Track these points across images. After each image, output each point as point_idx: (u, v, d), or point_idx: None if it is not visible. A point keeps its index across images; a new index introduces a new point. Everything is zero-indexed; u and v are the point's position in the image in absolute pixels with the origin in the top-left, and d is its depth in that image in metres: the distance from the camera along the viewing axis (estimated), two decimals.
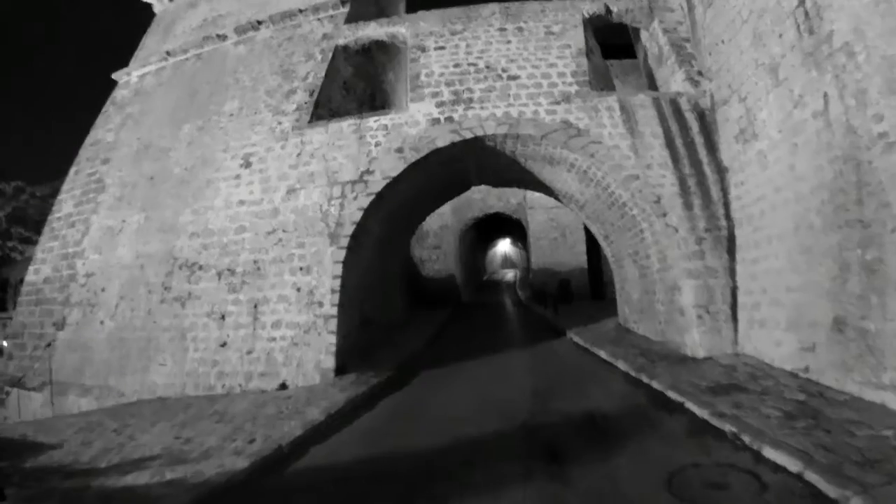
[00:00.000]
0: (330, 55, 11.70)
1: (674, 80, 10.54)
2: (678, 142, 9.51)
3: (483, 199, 28.20)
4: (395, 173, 9.40)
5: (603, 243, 12.62)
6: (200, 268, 10.55)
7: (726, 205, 8.93)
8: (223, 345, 9.70)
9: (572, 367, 8.82)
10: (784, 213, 7.30)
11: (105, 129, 14.41)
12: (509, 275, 49.30)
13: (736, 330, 8.34)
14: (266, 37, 13.08)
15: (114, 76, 15.78)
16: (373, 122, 10.23)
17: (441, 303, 23.04)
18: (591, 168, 9.90)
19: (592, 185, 10.57)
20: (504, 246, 58.47)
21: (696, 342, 8.21)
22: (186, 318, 10.25)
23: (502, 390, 7.44)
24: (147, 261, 11.21)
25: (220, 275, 10.24)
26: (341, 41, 11.97)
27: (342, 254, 9.02)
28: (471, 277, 34.75)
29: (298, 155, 10.51)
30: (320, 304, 8.91)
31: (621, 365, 8.27)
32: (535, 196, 23.00)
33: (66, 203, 13.59)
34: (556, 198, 12.69)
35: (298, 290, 9.26)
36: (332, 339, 8.62)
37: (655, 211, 8.96)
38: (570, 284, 21.37)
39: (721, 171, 9.16)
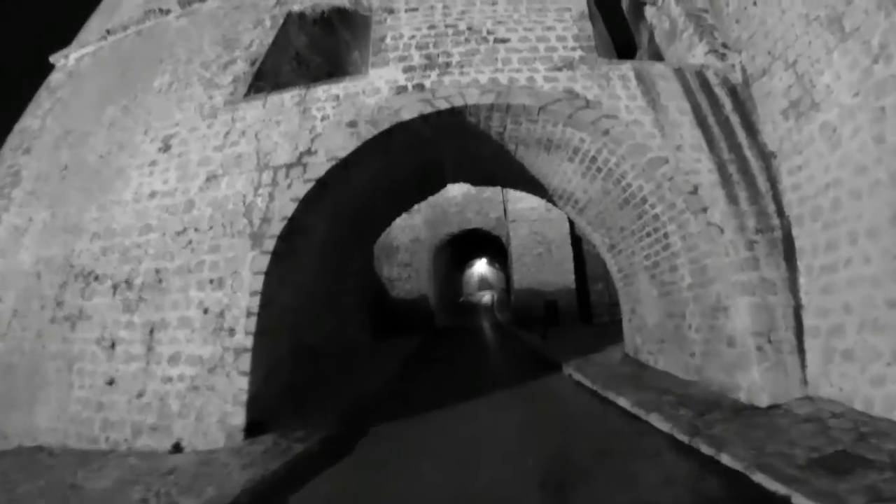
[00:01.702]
0: (281, 21, 9.45)
1: (692, 56, 8.58)
2: (710, 120, 7.54)
3: (460, 212, 26.14)
4: (344, 153, 7.00)
5: (607, 256, 10.40)
6: (96, 278, 7.87)
7: (776, 198, 6.86)
8: (110, 382, 6.99)
9: (585, 424, 6.20)
10: (874, 201, 5.35)
11: (33, 116, 11.90)
12: (486, 297, 47.19)
13: (804, 365, 6.15)
14: (212, 7, 10.76)
15: (51, 59, 13.46)
16: (321, 91, 7.87)
17: (413, 328, 20.48)
18: (601, 152, 7.72)
19: (600, 178, 8.38)
20: (481, 266, 56.60)
21: (756, 384, 5.94)
22: (75, 344, 7.52)
23: (493, 472, 4.79)
24: (45, 267, 8.51)
25: (115, 288, 7.58)
26: (296, 7, 9.74)
27: (265, 261, 6.49)
28: (446, 299, 32.32)
29: (226, 134, 8.06)
30: (231, 332, 6.32)
31: (657, 422, 5.79)
32: (517, 207, 20.93)
33: None
34: (550, 199, 10.44)
35: (205, 311, 6.67)
36: (244, 382, 6.02)
37: (691, 205, 6.79)
38: (558, 306, 19.15)
39: (765, 156, 7.14)
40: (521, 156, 8.94)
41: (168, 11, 11.41)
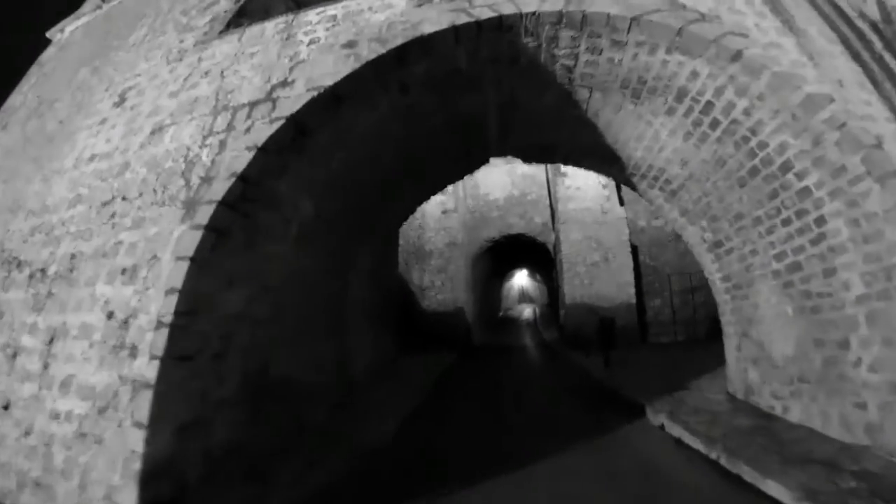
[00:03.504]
0: None
1: None
2: (865, 56, 5.36)
3: (502, 216, 23.62)
4: (332, 80, 4.64)
5: (706, 258, 7.57)
6: (19, 265, 5.90)
7: None
8: (6, 407, 4.88)
9: None
10: None
11: (18, 93, 10.71)
12: (527, 311, 44.20)
13: None
14: None
15: (48, 34, 12.42)
16: (314, 14, 5.62)
17: (445, 344, 17.90)
18: (723, 93, 5.08)
19: (713, 139, 5.72)
20: (521, 278, 53.69)
21: None
22: None
23: None
24: None
25: (31, 278, 5.55)
26: None
27: (195, 240, 4.15)
28: (485, 313, 29.68)
29: (187, 78, 6.00)
30: (132, 353, 4.00)
31: None
32: (568, 208, 18.18)
33: None
34: (627, 179, 7.75)
35: (109, 315, 4.40)
36: (138, 439, 3.66)
37: (875, 167, 4.17)
38: (615, 324, 16.15)
39: None
40: (596, 110, 6.35)
41: None
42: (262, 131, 4.64)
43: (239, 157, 4.59)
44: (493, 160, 24.89)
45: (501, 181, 24.25)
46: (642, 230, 20.60)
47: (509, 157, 24.27)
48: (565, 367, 12.71)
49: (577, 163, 7.90)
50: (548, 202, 23.06)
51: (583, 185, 18.53)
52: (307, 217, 5.46)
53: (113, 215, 5.06)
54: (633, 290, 17.03)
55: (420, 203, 8.30)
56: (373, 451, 5.34)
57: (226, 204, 4.41)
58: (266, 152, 4.59)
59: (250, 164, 4.53)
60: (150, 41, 7.61)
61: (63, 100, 8.32)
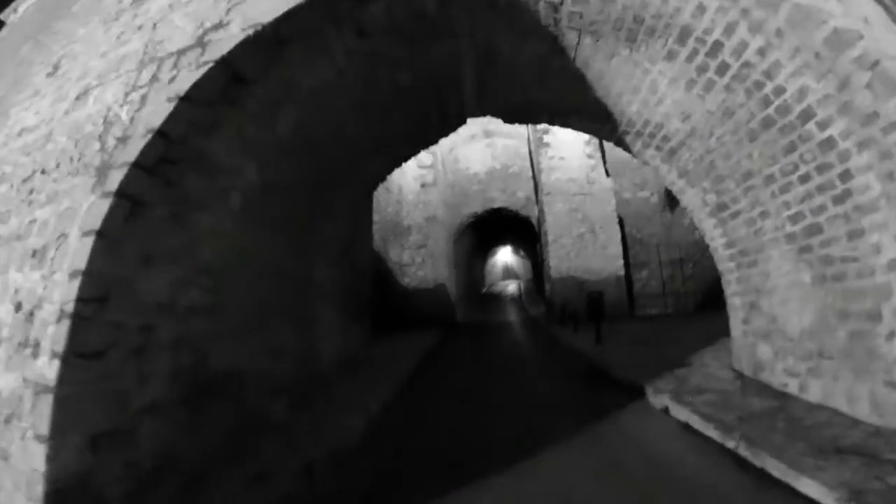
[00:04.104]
0: None
1: None
2: None
3: (483, 190, 22.87)
4: (272, 17, 3.75)
5: (707, 224, 6.89)
6: None
7: None
8: None
9: None
10: None
11: None
12: (511, 286, 43.88)
13: None
14: None
15: (2, 16, 11.10)
16: None
17: (428, 323, 17.24)
18: (734, 32, 4.32)
19: (721, 86, 4.97)
20: (505, 255, 53.33)
21: None
22: None
23: None
24: None
25: None
26: None
27: (102, 210, 3.28)
28: (468, 290, 29.14)
29: (119, 36, 5.02)
30: (35, 350, 3.18)
31: None
32: (552, 179, 17.45)
33: None
34: (619, 139, 6.98)
35: (18, 306, 3.56)
36: (38, 455, 2.86)
37: None
38: (603, 299, 15.65)
39: None
40: (586, 58, 5.54)
41: None
42: (188, 78, 3.74)
43: (158, 110, 3.69)
44: (473, 135, 23.97)
45: (482, 154, 23.44)
46: (627, 202, 20.08)
47: (490, 130, 23.41)
48: (553, 344, 12.13)
49: (564, 122, 7.09)
50: (530, 175, 22.32)
51: (567, 155, 17.78)
52: (253, 186, 4.58)
53: (31, 191, 4.15)
54: (621, 263, 16.52)
55: (391, 171, 7.42)
56: (338, 451, 4.61)
57: (142, 167, 3.53)
58: (192, 103, 3.70)
59: (172, 118, 3.64)
60: (91, 6, 6.55)
61: (5, 77, 7.29)
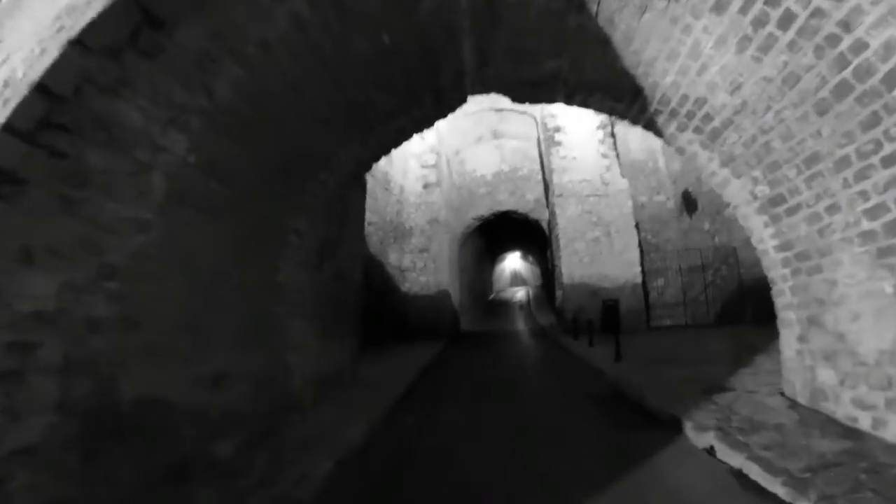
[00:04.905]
0: None
1: None
2: None
3: (490, 193, 21.87)
4: None
5: (755, 221, 5.77)
6: None
7: None
8: None
9: None
10: None
11: None
12: (520, 293, 42.67)
13: None
14: None
15: None
16: None
17: (430, 332, 16.15)
18: None
19: (783, 43, 3.89)
20: (513, 261, 52.22)
21: None
22: None
23: None
24: None
25: None
26: None
27: None
28: (474, 297, 28.02)
29: None
30: None
31: None
32: (564, 181, 16.38)
33: None
34: (650, 119, 5.90)
35: None
36: None
37: None
38: (619, 308, 14.51)
39: None
40: (611, 13, 4.49)
41: None
42: (82, 16, 2.74)
43: (41, 58, 2.70)
44: (481, 136, 22.86)
45: (490, 157, 22.48)
46: (643, 206, 18.99)
47: (498, 131, 22.35)
48: (567, 360, 10.96)
49: (585, 101, 6.01)
50: (540, 177, 21.26)
51: (580, 154, 16.70)
52: (184, 166, 3.56)
53: None
54: (638, 269, 15.37)
55: (376, 158, 6.34)
56: None
57: (15, 132, 2.54)
58: (88, 50, 2.70)
59: (58, 68, 2.64)
60: None
61: None
